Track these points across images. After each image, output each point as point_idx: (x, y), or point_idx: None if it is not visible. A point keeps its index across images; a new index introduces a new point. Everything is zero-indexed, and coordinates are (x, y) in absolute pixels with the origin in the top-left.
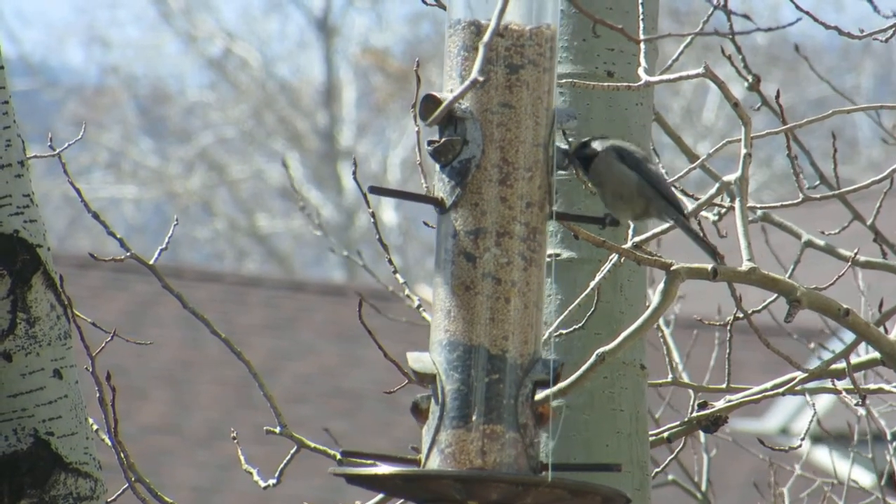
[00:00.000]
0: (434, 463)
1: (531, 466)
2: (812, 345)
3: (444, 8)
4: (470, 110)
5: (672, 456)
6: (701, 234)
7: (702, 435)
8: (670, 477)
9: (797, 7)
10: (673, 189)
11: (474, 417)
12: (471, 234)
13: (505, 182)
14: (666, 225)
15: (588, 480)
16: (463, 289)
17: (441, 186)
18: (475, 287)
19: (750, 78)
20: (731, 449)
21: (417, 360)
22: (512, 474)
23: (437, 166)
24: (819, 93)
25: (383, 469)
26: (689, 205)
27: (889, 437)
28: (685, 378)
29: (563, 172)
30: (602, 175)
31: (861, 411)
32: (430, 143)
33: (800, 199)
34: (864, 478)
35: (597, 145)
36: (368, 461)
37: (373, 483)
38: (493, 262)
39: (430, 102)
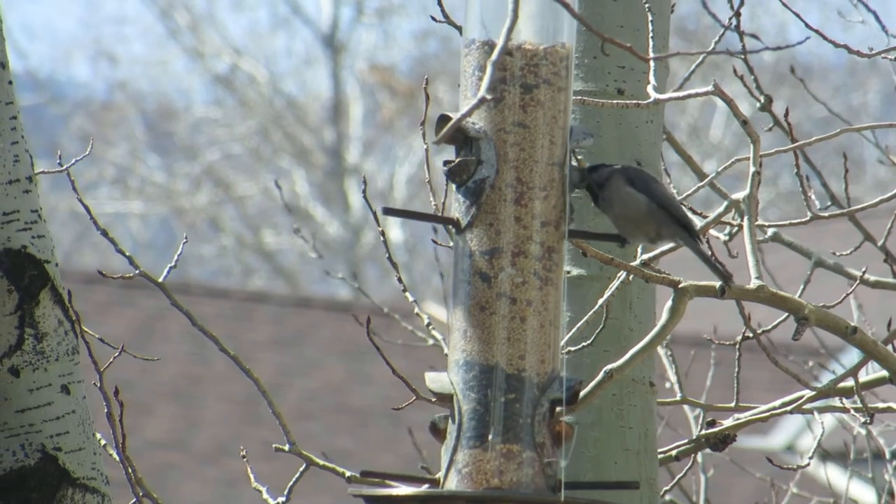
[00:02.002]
0: (452, 483)
1: (549, 485)
2: (811, 363)
3: (453, 25)
4: (484, 130)
5: (679, 476)
6: (712, 257)
7: (699, 455)
8: (668, 498)
9: (806, 25)
10: (684, 210)
11: (491, 437)
12: (486, 254)
13: (519, 201)
14: (674, 244)
15: (601, 499)
16: (479, 309)
17: (457, 206)
18: (491, 307)
19: (762, 98)
20: (731, 468)
21: (435, 380)
22: (526, 494)
23: (453, 186)
24: (826, 111)
25: (401, 490)
26: (698, 223)
27: (889, 456)
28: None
29: (577, 192)
30: (612, 200)
31: (862, 430)
32: (445, 163)
33: (808, 218)
34: (868, 496)
35: (605, 172)
36: (386, 481)
37: None
38: (508, 281)
39: (445, 122)
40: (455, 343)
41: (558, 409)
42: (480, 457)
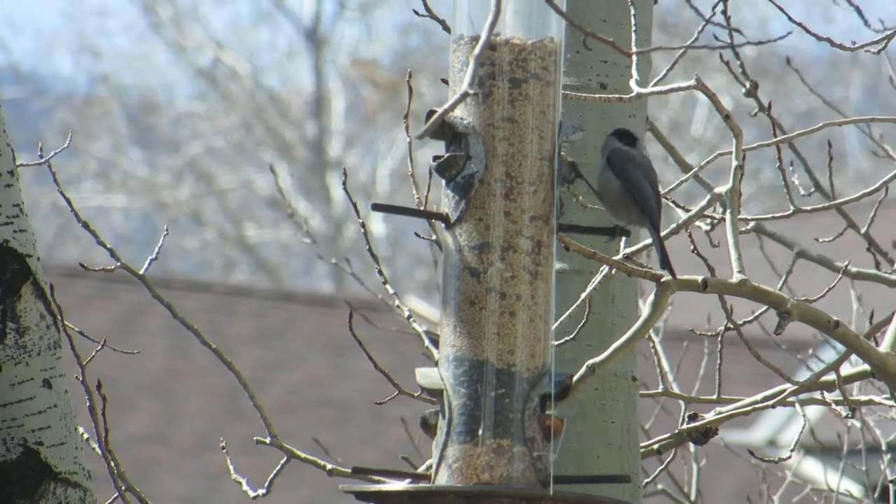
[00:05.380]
0: (442, 478)
1: (539, 480)
2: (801, 356)
3: (436, 19)
4: (473, 125)
5: (662, 467)
6: (666, 256)
7: (692, 446)
8: (660, 486)
9: (789, 19)
10: (651, 198)
11: (481, 432)
12: (475, 249)
13: (508, 196)
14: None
15: (592, 493)
16: (468, 304)
17: (446, 202)
18: (480, 302)
19: (748, 84)
20: (719, 459)
21: (425, 376)
22: (514, 489)
23: (443, 182)
24: (807, 105)
25: (392, 486)
26: (682, 216)
27: (885, 448)
28: (675, 389)
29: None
30: (597, 182)
31: (855, 423)
32: (434, 158)
33: (791, 211)
34: (852, 489)
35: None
36: (376, 477)
37: (381, 499)
38: (497, 276)
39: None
40: (445, 338)
41: (548, 403)
42: (471, 452)
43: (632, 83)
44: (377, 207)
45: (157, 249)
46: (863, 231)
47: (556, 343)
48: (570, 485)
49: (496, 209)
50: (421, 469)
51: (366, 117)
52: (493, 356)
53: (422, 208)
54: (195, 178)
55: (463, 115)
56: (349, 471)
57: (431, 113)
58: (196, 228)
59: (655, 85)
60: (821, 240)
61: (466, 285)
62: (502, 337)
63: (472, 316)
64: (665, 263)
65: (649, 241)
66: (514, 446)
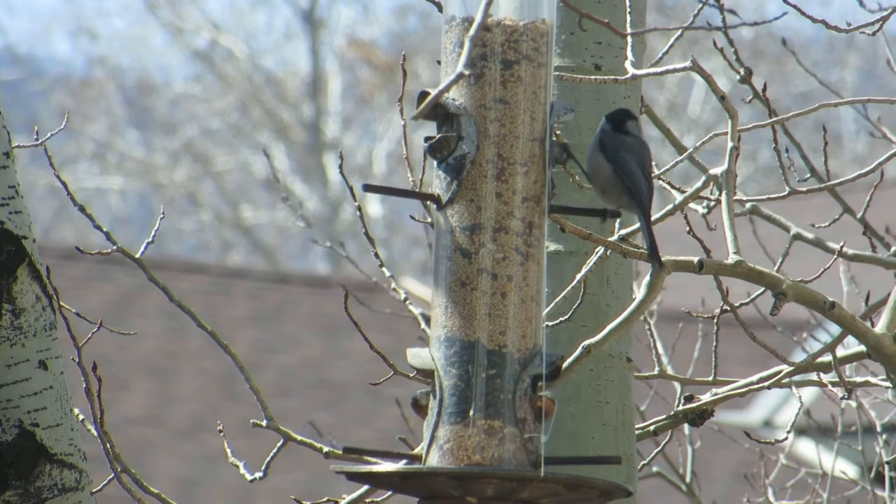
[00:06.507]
0: (433, 459)
1: (530, 461)
2: (798, 337)
3: (432, 2)
4: (465, 106)
5: (658, 449)
6: (654, 244)
7: (686, 427)
8: (655, 469)
9: (785, 1)
10: (643, 184)
11: (472, 413)
12: (466, 230)
13: (500, 177)
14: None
15: (584, 475)
16: (459, 285)
17: (437, 183)
18: (471, 283)
19: (742, 70)
20: (715, 441)
21: (416, 356)
22: (505, 470)
23: (434, 163)
24: (804, 87)
25: (381, 467)
26: (677, 197)
27: (879, 429)
28: (670, 371)
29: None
30: (587, 164)
31: (851, 403)
32: (426, 139)
33: (787, 193)
34: (847, 470)
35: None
36: (367, 457)
37: (371, 480)
38: (489, 257)
39: (425, 98)
40: (436, 319)
41: (539, 384)
42: (462, 433)
43: (627, 64)
44: (369, 188)
45: (153, 233)
46: (859, 216)
47: (551, 324)
48: (561, 466)
49: (488, 190)
50: (417, 450)
51: (363, 99)
52: (484, 337)
53: (414, 189)
54: (192, 159)
55: (455, 96)
56: (353, 457)
57: (423, 94)
58: (192, 210)
59: (651, 66)
60: (817, 225)
61: (458, 266)
62: (493, 318)
63: (463, 297)
64: (653, 253)
65: None
66: (506, 427)
